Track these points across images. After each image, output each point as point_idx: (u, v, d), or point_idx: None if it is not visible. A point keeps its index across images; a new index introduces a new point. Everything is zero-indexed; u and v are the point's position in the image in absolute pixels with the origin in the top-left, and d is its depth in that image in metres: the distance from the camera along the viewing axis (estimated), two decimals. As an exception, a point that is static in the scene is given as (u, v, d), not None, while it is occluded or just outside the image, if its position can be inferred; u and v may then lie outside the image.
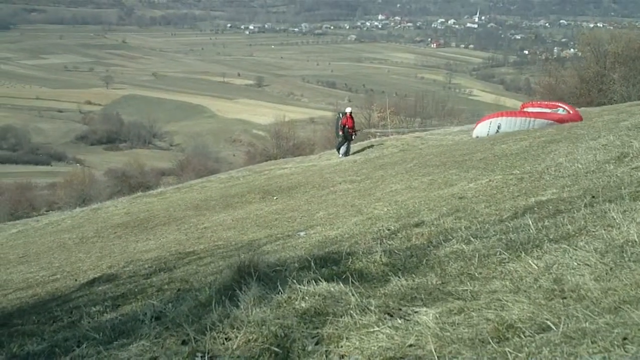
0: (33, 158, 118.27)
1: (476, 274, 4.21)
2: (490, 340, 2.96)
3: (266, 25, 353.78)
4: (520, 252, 4.40)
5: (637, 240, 4.05)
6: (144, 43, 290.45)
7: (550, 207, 6.24)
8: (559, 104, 24.33)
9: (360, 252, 5.39)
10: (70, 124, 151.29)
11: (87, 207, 27.79)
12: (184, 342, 3.74)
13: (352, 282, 4.24)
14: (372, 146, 26.96)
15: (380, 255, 5.09)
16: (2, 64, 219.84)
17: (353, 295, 3.89)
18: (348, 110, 27.21)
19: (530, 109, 23.89)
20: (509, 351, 2.76)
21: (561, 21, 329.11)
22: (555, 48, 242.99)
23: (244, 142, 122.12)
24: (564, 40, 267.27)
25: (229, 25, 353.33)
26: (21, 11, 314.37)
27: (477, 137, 22.20)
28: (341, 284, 4.12)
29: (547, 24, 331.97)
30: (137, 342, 3.98)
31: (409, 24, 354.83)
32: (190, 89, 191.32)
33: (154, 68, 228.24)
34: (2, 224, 33.37)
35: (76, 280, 9.41)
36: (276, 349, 3.37)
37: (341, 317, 3.59)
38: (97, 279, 8.83)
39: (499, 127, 21.89)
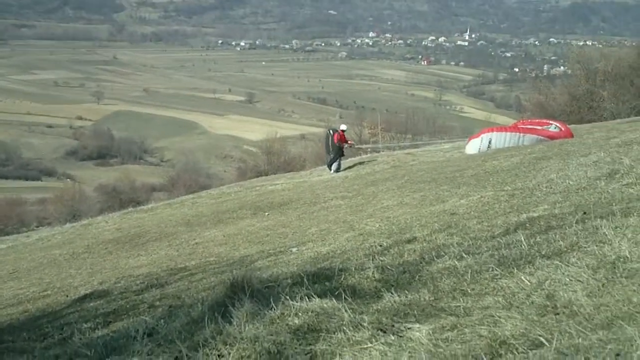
0: (23, 173, 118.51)
1: (469, 290, 4.21)
2: (484, 357, 2.96)
3: (257, 42, 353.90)
4: (513, 268, 4.41)
5: (628, 256, 4.07)
6: (135, 59, 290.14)
7: (542, 223, 6.27)
8: (552, 121, 24.42)
9: (353, 268, 5.39)
10: (60, 140, 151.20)
11: (77, 222, 27.69)
12: (176, 359, 3.73)
13: (344, 298, 4.24)
14: (363, 162, 26.94)
15: (373, 271, 5.10)
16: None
17: (346, 311, 3.89)
18: (344, 127, 27.21)
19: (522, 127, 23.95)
20: (502, 367, 2.76)
21: (551, 39, 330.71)
22: (545, 66, 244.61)
23: (234, 158, 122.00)
24: (553, 58, 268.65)
25: (220, 41, 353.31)
26: (11, 27, 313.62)
27: (470, 154, 22.19)
28: (334, 300, 4.12)
29: (536, 42, 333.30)
30: (130, 359, 3.97)
31: (400, 42, 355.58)
32: (181, 105, 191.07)
33: (144, 84, 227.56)
34: (-8, 239, 33.28)
35: (67, 296, 9.35)
36: (269, 366, 3.36)
37: (334, 333, 3.59)
38: (88, 295, 8.77)
39: (490, 143, 21.93)
